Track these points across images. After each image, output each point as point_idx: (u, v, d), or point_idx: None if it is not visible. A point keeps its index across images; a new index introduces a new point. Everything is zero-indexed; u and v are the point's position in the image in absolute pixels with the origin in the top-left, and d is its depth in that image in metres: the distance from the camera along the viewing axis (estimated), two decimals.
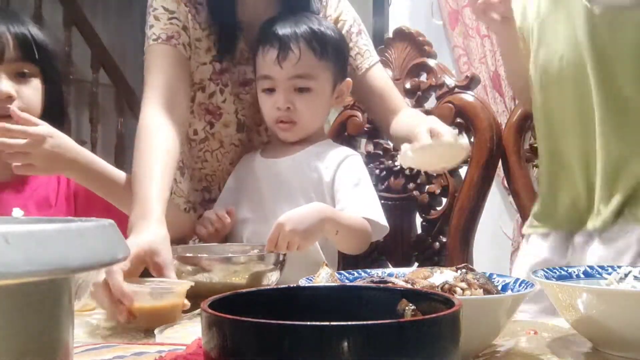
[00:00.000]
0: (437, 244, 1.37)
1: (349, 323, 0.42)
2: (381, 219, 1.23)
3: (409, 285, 0.69)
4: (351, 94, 1.37)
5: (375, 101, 1.36)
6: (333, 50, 1.26)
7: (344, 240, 1.21)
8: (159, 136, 1.15)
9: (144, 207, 1.02)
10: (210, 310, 0.46)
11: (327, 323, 0.41)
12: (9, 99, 1.19)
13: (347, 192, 1.23)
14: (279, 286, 0.65)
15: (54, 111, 1.30)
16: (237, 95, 1.35)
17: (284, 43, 1.23)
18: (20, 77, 1.23)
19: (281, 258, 1.05)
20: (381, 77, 1.37)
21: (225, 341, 0.44)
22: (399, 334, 0.42)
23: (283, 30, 1.24)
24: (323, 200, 1.23)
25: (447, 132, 1.07)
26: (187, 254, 1.07)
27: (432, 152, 1.05)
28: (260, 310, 0.50)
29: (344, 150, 1.31)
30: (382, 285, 0.65)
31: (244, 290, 0.56)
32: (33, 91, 1.25)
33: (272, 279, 1.04)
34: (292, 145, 1.30)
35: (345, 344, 0.41)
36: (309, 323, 0.42)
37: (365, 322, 0.42)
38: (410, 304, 0.52)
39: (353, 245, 1.25)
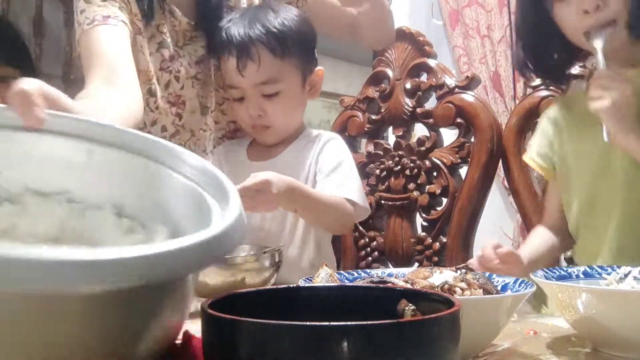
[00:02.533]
0: (437, 244, 1.37)
1: (349, 323, 0.42)
2: (359, 199, 1.19)
3: (408, 286, 0.69)
4: (315, 26, 1.31)
5: (330, 12, 1.36)
6: (296, 45, 1.21)
7: (317, 215, 1.18)
8: (113, 106, 1.02)
9: None
10: (210, 311, 0.46)
11: (326, 323, 0.42)
12: None
13: (324, 175, 1.21)
14: (279, 286, 0.65)
15: None
16: (195, 77, 1.30)
17: (240, 51, 1.18)
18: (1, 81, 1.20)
19: (277, 259, 1.05)
20: None
21: (226, 341, 0.44)
22: (399, 334, 0.42)
23: (237, 35, 1.19)
24: None
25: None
26: None
27: None
28: (260, 310, 0.50)
29: (323, 137, 1.28)
30: (382, 285, 0.65)
31: (243, 290, 0.56)
32: None
33: (269, 280, 1.04)
34: (275, 145, 1.28)
35: (345, 344, 0.41)
36: (308, 323, 0.42)
37: (365, 322, 0.42)
38: (410, 304, 0.52)
39: (330, 222, 1.21)
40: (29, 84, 0.71)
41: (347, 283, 0.78)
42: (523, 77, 1.24)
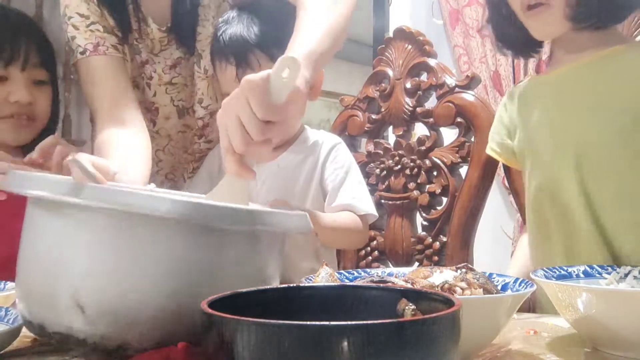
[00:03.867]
0: (438, 243, 1.37)
1: (349, 323, 0.42)
2: (368, 206, 1.23)
3: (408, 285, 0.69)
4: None
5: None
6: None
7: (333, 240, 1.22)
8: (127, 149, 1.09)
9: None
10: (211, 310, 0.46)
11: (327, 323, 0.42)
12: (29, 105, 1.22)
13: (336, 187, 1.22)
14: (279, 286, 0.65)
15: (55, 115, 1.34)
16: (170, 82, 1.29)
17: (238, 59, 1.15)
18: (36, 84, 1.26)
19: None
20: None
21: (227, 341, 0.44)
22: (399, 334, 0.42)
23: (234, 40, 1.15)
24: (316, 197, 1.21)
25: None
26: None
27: None
28: (260, 310, 0.50)
29: (326, 143, 1.26)
30: (382, 285, 0.65)
31: (243, 290, 0.55)
32: (46, 99, 1.28)
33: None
34: (275, 148, 1.25)
35: (345, 343, 0.41)
36: (309, 323, 0.42)
37: (365, 322, 0.42)
38: (410, 304, 0.52)
39: (346, 243, 1.25)
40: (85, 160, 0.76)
41: (347, 282, 0.78)
42: (501, 53, 1.26)
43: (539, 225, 1.12)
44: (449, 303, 0.49)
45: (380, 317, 0.44)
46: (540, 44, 1.19)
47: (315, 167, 1.23)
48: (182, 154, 1.35)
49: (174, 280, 0.61)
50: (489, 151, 1.24)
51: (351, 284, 0.74)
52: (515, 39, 1.18)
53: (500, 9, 1.15)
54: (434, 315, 0.45)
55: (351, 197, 1.21)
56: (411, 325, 0.44)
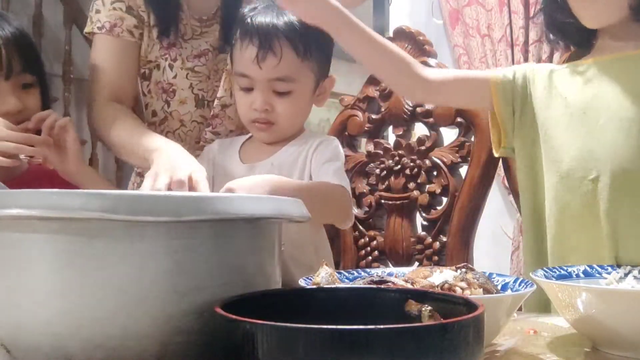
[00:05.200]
0: (438, 243, 1.37)
1: (374, 327, 0.40)
2: (347, 187, 1.17)
3: (408, 285, 0.68)
4: None
5: None
6: (317, 48, 1.18)
7: (311, 207, 1.15)
8: (127, 116, 1.22)
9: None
10: (224, 313, 0.45)
11: (352, 327, 0.40)
12: (19, 113, 1.20)
13: (319, 164, 1.18)
14: (291, 288, 0.63)
15: None
16: (192, 69, 1.31)
17: (264, 41, 1.14)
18: (23, 88, 1.22)
19: None
20: None
21: (243, 344, 0.43)
22: (426, 338, 0.41)
23: (263, 24, 1.15)
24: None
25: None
26: None
27: None
28: (267, 312, 0.49)
29: (318, 137, 1.25)
30: (411, 290, 0.63)
31: (256, 292, 0.54)
32: (35, 101, 1.25)
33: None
34: (271, 145, 1.24)
35: (369, 348, 0.39)
36: (334, 327, 0.40)
37: (390, 326, 0.40)
38: (426, 305, 0.50)
39: (327, 212, 1.15)
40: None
41: (347, 282, 0.78)
42: (551, 44, 1.28)
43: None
44: (469, 306, 0.47)
45: (384, 318, 0.43)
46: (594, 33, 1.15)
47: (305, 162, 1.21)
48: (193, 144, 1.35)
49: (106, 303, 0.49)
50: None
51: (362, 286, 0.73)
52: (568, 28, 1.15)
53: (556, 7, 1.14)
54: (460, 318, 0.43)
55: (337, 175, 1.16)
56: (440, 329, 0.42)
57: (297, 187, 1.09)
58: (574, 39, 1.18)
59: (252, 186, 1.00)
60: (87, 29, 1.29)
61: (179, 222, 0.50)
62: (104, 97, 1.25)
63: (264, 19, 1.16)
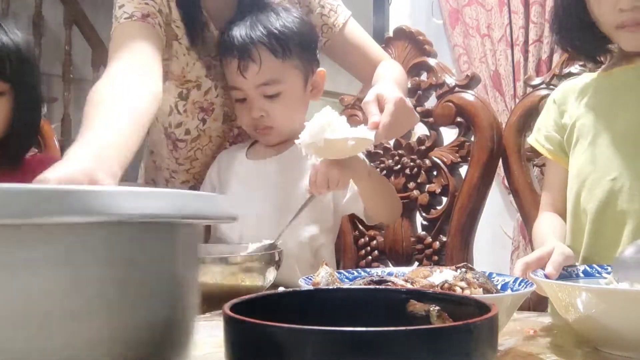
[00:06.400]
0: (437, 243, 1.37)
1: (388, 329, 0.39)
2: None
3: (409, 286, 0.68)
4: (330, 54, 1.35)
5: (356, 55, 1.34)
6: (297, 46, 1.21)
7: (377, 192, 1.21)
8: (130, 92, 1.01)
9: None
10: (232, 314, 0.45)
11: (363, 329, 0.39)
12: None
13: None
14: (296, 289, 0.63)
15: (24, 131, 1.23)
16: (223, 88, 1.32)
17: (241, 52, 1.19)
18: None
19: (277, 257, 1.05)
20: (358, 29, 1.36)
21: (253, 347, 0.42)
22: (437, 340, 0.40)
23: (239, 37, 1.19)
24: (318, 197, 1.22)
25: (391, 100, 1.04)
26: None
27: (341, 144, 1.00)
28: (270, 314, 0.48)
29: None
30: (414, 289, 0.63)
31: (266, 293, 0.54)
32: (2, 110, 1.18)
33: (268, 278, 1.04)
34: (275, 146, 1.28)
35: (381, 349, 0.38)
36: (346, 329, 0.39)
37: (404, 328, 0.39)
38: (434, 305, 0.49)
39: (386, 202, 1.24)
40: None
41: (347, 282, 0.78)
42: (564, 51, 1.22)
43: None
44: (481, 307, 0.46)
45: (386, 318, 0.42)
46: (608, 49, 1.14)
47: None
48: (212, 158, 1.37)
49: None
50: (532, 142, 1.19)
51: (360, 287, 0.73)
52: (586, 45, 1.13)
53: (573, 15, 1.09)
54: (473, 320, 0.41)
55: None
56: (452, 331, 0.41)
57: (371, 168, 1.18)
58: (591, 54, 1.16)
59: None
60: (112, 30, 1.18)
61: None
62: (120, 62, 1.08)
63: (238, 32, 1.20)
